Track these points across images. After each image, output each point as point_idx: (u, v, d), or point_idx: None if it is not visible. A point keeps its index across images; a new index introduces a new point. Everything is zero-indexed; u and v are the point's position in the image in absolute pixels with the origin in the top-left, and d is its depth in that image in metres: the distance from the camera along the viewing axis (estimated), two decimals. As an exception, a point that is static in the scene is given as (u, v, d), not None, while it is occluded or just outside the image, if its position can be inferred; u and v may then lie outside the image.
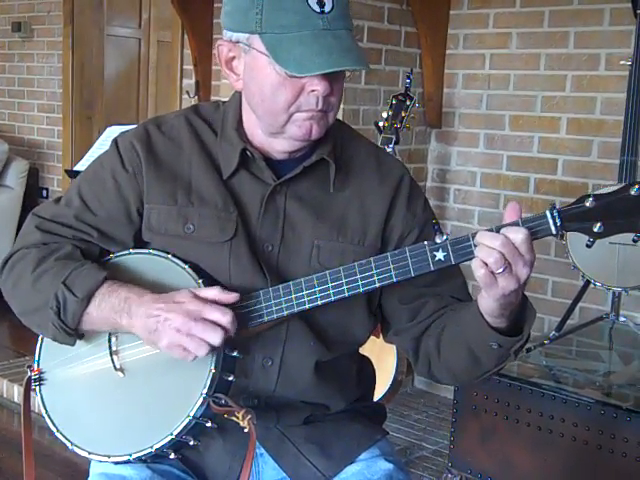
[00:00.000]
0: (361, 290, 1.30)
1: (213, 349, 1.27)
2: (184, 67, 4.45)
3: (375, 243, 1.44)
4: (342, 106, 3.41)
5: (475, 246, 1.21)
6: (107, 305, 1.32)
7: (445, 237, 1.26)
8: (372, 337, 2.92)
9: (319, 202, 1.43)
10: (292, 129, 1.35)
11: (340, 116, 3.61)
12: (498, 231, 1.19)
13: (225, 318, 1.26)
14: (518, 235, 1.18)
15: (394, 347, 3.06)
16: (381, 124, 3.21)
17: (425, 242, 1.26)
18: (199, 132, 1.45)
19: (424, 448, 3.22)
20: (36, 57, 5.46)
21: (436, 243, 1.26)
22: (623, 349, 2.87)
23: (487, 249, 1.17)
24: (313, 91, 1.30)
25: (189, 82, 4.38)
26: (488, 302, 1.23)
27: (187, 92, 4.33)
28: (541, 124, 3.53)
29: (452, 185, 3.82)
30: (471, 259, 1.22)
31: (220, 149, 1.43)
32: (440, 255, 1.25)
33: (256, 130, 1.41)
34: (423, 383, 3.86)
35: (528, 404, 2.42)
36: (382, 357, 3.00)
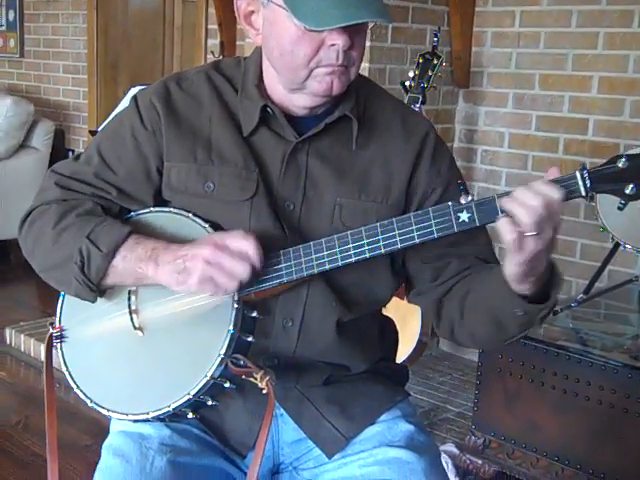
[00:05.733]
0: (382, 251, 1.27)
1: (241, 285, 1.26)
2: (209, 27, 4.40)
3: (399, 201, 1.42)
4: (368, 65, 3.36)
5: (501, 209, 1.18)
6: (133, 256, 1.31)
7: (470, 198, 1.23)
8: (397, 299, 2.90)
9: (342, 160, 1.40)
10: (313, 84, 1.32)
11: (366, 75, 3.56)
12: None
13: (248, 242, 1.26)
14: (555, 196, 1.15)
15: (419, 309, 3.04)
16: (407, 83, 3.16)
17: (449, 203, 1.24)
18: (219, 89, 1.42)
19: (448, 410, 3.21)
20: (61, 17, 5.44)
21: (460, 204, 1.23)
22: (652, 312, 2.83)
23: (525, 208, 1.14)
24: (333, 45, 1.27)
25: (214, 42, 4.33)
26: (513, 267, 1.20)
27: (212, 52, 4.29)
28: (572, 83, 3.45)
29: (480, 146, 3.76)
30: (496, 221, 1.19)
31: (241, 106, 1.40)
32: (464, 216, 1.22)
33: (276, 86, 1.38)
34: (448, 345, 3.84)
35: (553, 367, 2.39)
36: (407, 319, 2.99)
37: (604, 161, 1.19)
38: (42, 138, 5.16)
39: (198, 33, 4.49)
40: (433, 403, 3.28)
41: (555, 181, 1.18)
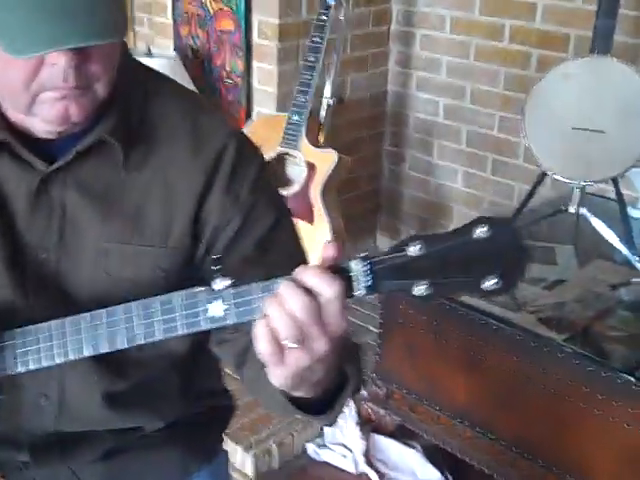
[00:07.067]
0: (118, 347, 0.99)
1: None
2: None
3: (182, 243, 1.11)
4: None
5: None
6: None
7: (228, 282, 0.92)
8: (305, 224, 2.55)
9: (109, 190, 1.09)
10: (43, 110, 1.00)
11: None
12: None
13: None
14: (328, 293, 0.84)
15: (328, 228, 2.75)
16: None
17: (203, 288, 0.93)
18: None
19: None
20: None
21: (212, 291, 0.92)
22: (582, 245, 2.53)
23: (282, 310, 0.84)
24: (55, 64, 0.93)
25: None
26: (276, 380, 0.91)
27: None
28: (521, -42, 2.98)
29: (418, 30, 3.32)
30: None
31: None
32: (215, 309, 0.92)
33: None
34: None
35: (457, 326, 2.14)
36: (316, 239, 2.69)
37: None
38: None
39: None
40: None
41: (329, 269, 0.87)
